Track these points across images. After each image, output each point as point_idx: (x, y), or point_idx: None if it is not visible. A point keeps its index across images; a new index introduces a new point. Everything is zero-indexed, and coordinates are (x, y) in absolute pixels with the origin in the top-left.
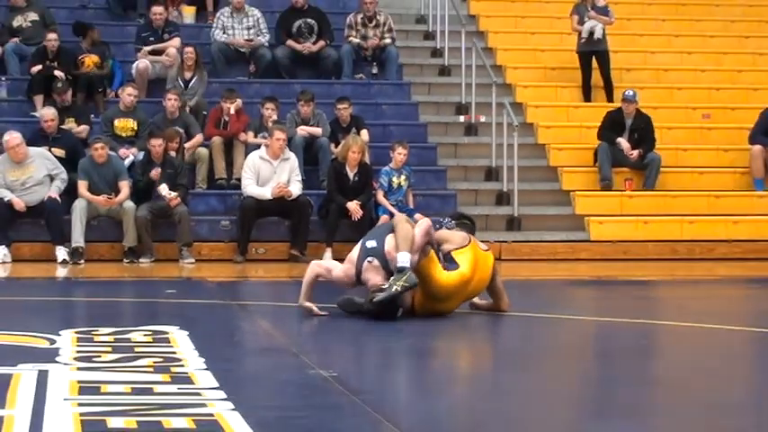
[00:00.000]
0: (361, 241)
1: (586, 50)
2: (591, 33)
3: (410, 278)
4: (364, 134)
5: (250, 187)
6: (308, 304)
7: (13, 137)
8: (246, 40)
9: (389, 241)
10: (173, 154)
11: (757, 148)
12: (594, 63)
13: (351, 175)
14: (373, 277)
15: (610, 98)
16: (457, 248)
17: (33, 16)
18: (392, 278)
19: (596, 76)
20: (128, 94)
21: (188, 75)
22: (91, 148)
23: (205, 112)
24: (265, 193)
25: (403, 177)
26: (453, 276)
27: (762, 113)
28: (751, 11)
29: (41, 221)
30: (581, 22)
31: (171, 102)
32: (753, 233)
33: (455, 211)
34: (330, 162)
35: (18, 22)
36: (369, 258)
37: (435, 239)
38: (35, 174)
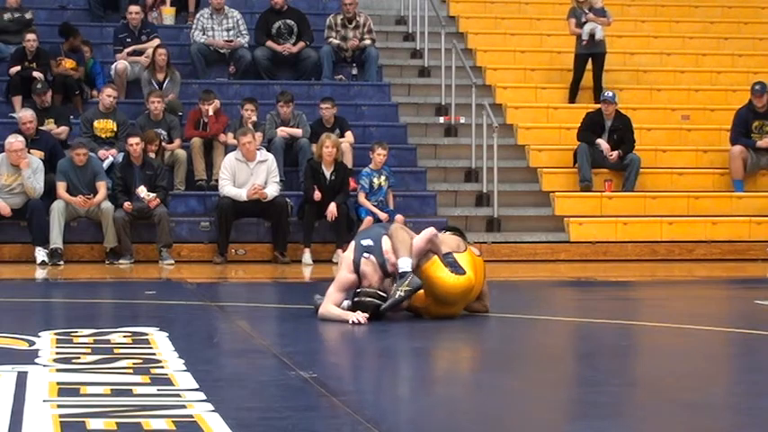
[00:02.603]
0: (353, 242)
1: (585, 52)
2: (592, 36)
3: (413, 281)
4: (348, 135)
5: (227, 188)
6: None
7: (18, 140)
8: (226, 41)
9: (387, 242)
10: (152, 156)
11: (737, 148)
12: (588, 65)
13: (327, 174)
14: (370, 274)
15: (598, 99)
16: (455, 252)
17: (19, 17)
18: (395, 284)
19: (585, 79)
20: (107, 95)
21: (160, 76)
22: (72, 153)
23: (180, 113)
24: (241, 193)
25: (383, 178)
26: (462, 281)
27: (736, 114)
28: (730, 12)
29: (21, 223)
30: (579, 25)
31: (155, 104)
32: (732, 234)
33: (445, 225)
34: (307, 162)
35: (10, 16)
36: (365, 254)
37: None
38: (26, 183)
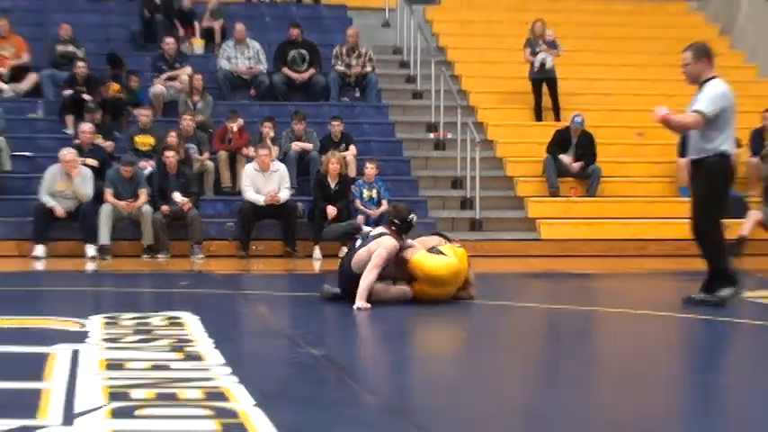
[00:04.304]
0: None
1: (538, 78)
2: (542, 64)
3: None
4: (352, 149)
5: (248, 193)
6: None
7: (70, 152)
8: (248, 69)
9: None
10: (181, 158)
11: (684, 160)
12: (545, 88)
13: (332, 185)
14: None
15: (557, 118)
16: (437, 245)
17: (72, 48)
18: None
19: (546, 100)
20: (143, 115)
21: (196, 98)
22: (121, 167)
23: (211, 130)
24: (259, 199)
25: (374, 191)
26: (446, 263)
27: (752, 133)
28: (678, 44)
29: (74, 224)
30: (533, 54)
31: (186, 122)
32: (679, 233)
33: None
34: (315, 174)
35: (64, 48)
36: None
37: (423, 245)
38: (78, 189)
